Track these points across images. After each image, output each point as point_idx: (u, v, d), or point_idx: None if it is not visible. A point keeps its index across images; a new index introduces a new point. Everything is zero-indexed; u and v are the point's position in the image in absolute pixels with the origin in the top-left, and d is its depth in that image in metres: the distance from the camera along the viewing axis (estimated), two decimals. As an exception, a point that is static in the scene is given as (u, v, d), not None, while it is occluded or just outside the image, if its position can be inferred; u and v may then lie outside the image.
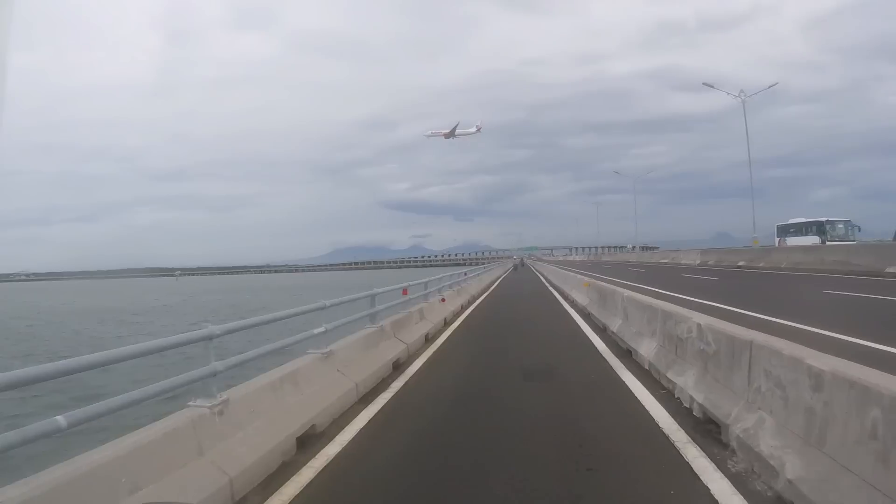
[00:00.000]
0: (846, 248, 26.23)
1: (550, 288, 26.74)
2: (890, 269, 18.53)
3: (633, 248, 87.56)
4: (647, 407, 5.74)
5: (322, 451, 4.92)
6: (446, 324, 13.31)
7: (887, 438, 2.77)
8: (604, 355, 8.49)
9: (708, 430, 4.86)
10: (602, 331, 10.77)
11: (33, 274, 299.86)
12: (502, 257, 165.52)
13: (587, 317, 13.14)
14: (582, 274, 25.69)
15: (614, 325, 9.92)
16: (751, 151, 39.66)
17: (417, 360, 8.95)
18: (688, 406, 5.51)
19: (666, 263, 47.64)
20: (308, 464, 4.64)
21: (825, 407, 3.34)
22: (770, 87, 42.61)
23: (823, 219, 36.75)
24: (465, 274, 22.53)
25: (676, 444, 4.69)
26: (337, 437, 5.33)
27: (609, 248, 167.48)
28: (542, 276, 41.56)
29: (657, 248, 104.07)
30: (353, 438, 5.30)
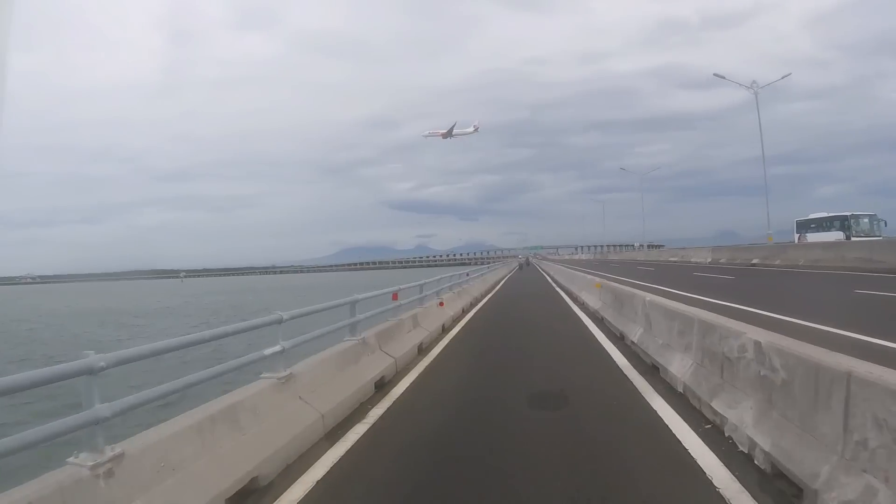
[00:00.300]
0: (869, 245, 24.91)
1: (557, 289, 25.37)
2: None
3: (641, 246, 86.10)
4: (690, 449, 4.43)
5: (259, 518, 3.68)
6: (444, 331, 12.03)
7: None
8: (625, 372, 7.16)
9: (781, 493, 3.56)
10: (619, 339, 9.46)
11: (38, 277, 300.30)
12: (507, 257, 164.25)
13: (600, 322, 11.82)
14: (590, 273, 24.37)
15: (634, 333, 8.60)
16: (756, 149, 38.25)
17: (406, 377, 7.68)
18: (746, 451, 4.20)
19: (675, 262, 46.44)
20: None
21: None
22: (783, 77, 41.20)
23: (847, 213, 35.22)
24: (468, 274, 21.17)
25: (741, 512, 3.40)
26: (285, 493, 4.06)
27: (615, 246, 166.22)
28: (549, 275, 40.17)
29: (663, 245, 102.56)
30: (307, 495, 4.03)
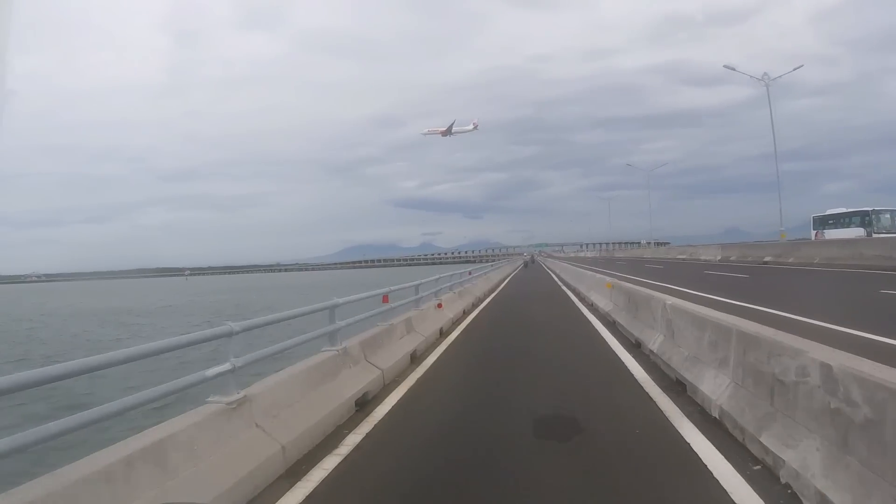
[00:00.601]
0: (889, 242, 23.88)
1: (564, 288, 24.37)
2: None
3: (648, 243, 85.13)
4: (738, 498, 3.48)
5: None
6: (442, 335, 11.08)
7: None
8: (645, 388, 6.18)
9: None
10: (635, 347, 8.48)
11: (44, 275, 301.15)
12: (512, 254, 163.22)
13: (612, 326, 10.85)
14: (597, 271, 23.39)
15: (653, 341, 7.63)
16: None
17: (395, 392, 6.74)
18: (815, 509, 3.25)
19: (684, 259, 45.49)
20: None
21: None
22: (795, 69, 39.97)
23: (868, 208, 34.02)
24: (470, 273, 20.20)
25: None
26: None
27: (621, 244, 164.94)
28: (554, 273, 39.12)
29: (668, 243, 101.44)
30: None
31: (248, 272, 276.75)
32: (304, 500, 3.85)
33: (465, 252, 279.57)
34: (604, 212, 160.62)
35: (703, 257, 42.56)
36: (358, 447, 4.88)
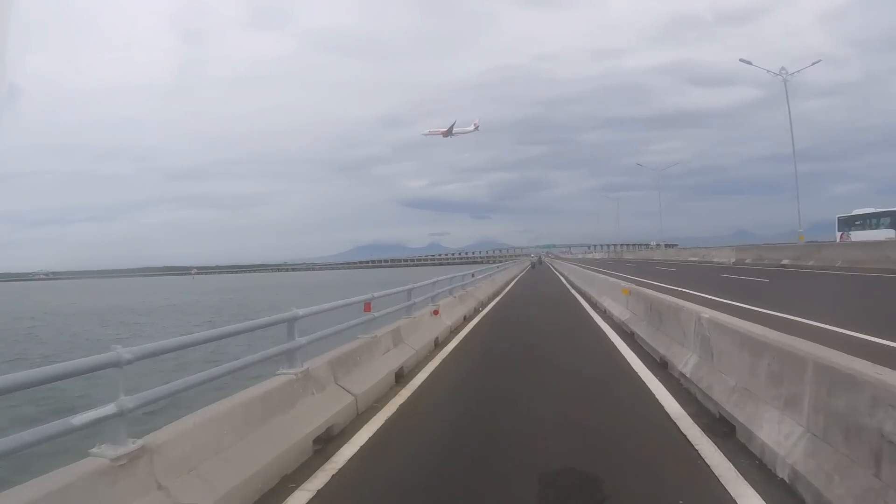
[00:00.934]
0: (921, 244, 22.55)
1: (573, 291, 23.04)
2: None
3: (658, 245, 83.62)
4: None
5: None
6: (437, 346, 9.83)
7: None
8: (682, 428, 4.85)
9: None
10: (660, 367, 7.17)
11: (51, 273, 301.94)
12: (519, 255, 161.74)
13: (630, 338, 9.55)
14: (608, 274, 22.06)
15: (683, 362, 6.35)
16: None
17: (369, 424, 5.49)
18: None
19: (696, 262, 44.20)
20: None
21: None
22: (813, 63, 38.50)
23: (896, 208, 32.52)
24: (473, 275, 18.91)
25: None
26: None
27: (629, 245, 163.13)
28: (563, 276, 37.71)
29: (676, 244, 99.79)
30: None
31: (255, 272, 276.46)
32: None
33: (472, 253, 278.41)
34: (611, 212, 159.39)
35: (715, 259, 41.31)
36: (303, 512, 3.65)
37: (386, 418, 5.71)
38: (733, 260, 37.48)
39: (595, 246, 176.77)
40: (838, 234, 37.74)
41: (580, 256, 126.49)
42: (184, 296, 64.34)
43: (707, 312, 6.06)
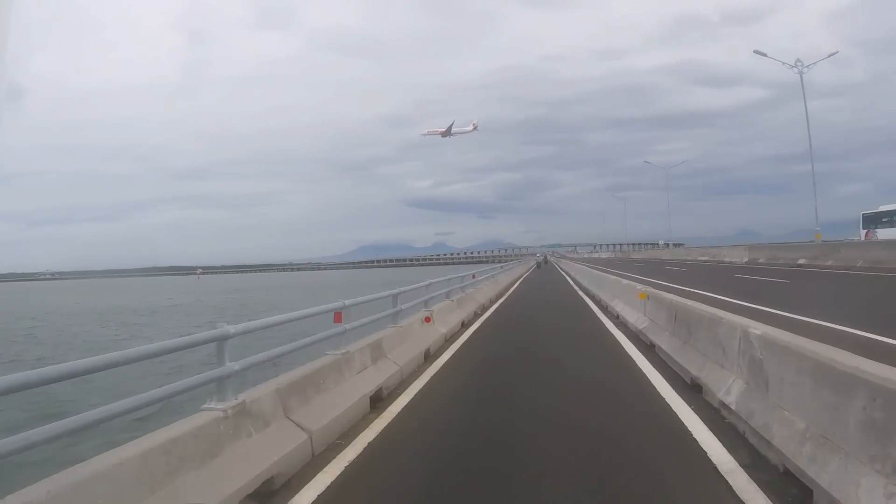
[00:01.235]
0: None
1: (581, 293, 21.68)
2: None
3: (666, 244, 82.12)
4: None
5: None
6: (428, 359, 8.59)
7: None
8: (737, 489, 3.57)
9: None
10: (693, 391, 5.88)
11: (57, 273, 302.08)
12: (525, 255, 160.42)
13: (649, 350, 8.26)
14: (618, 274, 20.76)
15: (725, 388, 5.05)
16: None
17: (325, 472, 4.26)
18: None
19: (706, 261, 42.88)
20: None
21: None
22: (830, 55, 37.01)
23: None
24: (474, 276, 17.63)
25: None
26: None
27: (635, 244, 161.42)
28: (569, 276, 36.32)
29: (682, 244, 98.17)
30: None
31: (260, 271, 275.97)
32: None
33: (478, 252, 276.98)
34: (616, 212, 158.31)
35: (727, 259, 40.06)
36: None
37: (349, 461, 4.47)
38: (746, 259, 36.20)
39: (601, 246, 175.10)
40: (863, 232, 36.15)
41: (586, 256, 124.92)
42: (188, 296, 63.73)
43: (758, 327, 4.77)
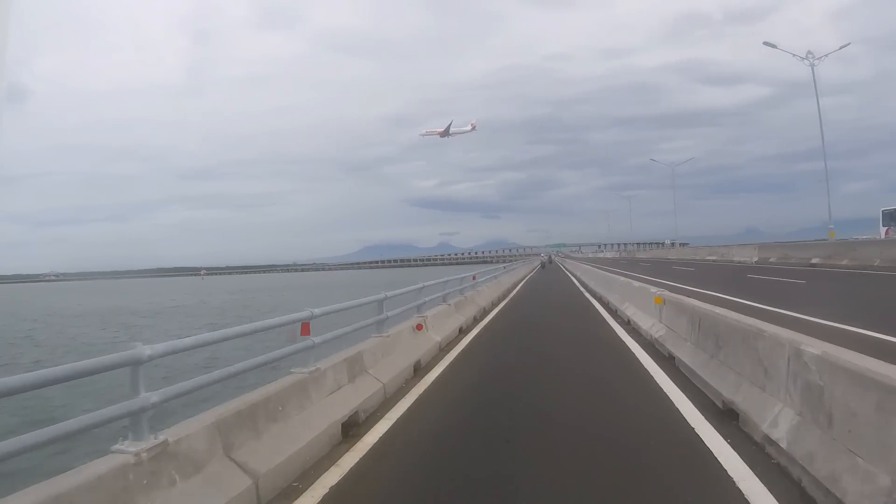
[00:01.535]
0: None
1: (588, 295, 20.66)
2: None
3: (672, 243, 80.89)
4: None
5: None
6: (418, 373, 7.66)
7: None
8: None
9: None
10: (726, 418, 4.90)
11: (61, 274, 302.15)
12: (530, 254, 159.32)
13: (668, 363, 7.25)
14: (625, 275, 19.78)
15: (770, 419, 4.09)
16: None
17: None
18: None
19: (714, 261, 41.80)
20: None
21: None
22: (842, 47, 35.85)
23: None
24: (474, 278, 16.68)
25: None
26: None
27: (641, 244, 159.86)
28: (575, 277, 35.26)
29: (687, 243, 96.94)
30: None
31: (265, 272, 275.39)
32: None
33: (482, 252, 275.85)
34: (621, 211, 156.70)
35: (736, 258, 39.01)
36: None
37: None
38: (755, 259, 35.16)
39: (605, 245, 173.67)
40: (883, 230, 34.97)
41: (591, 256, 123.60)
42: (191, 297, 63.26)
43: (813, 344, 3.82)
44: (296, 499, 3.77)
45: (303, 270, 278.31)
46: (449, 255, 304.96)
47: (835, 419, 3.35)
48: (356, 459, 4.50)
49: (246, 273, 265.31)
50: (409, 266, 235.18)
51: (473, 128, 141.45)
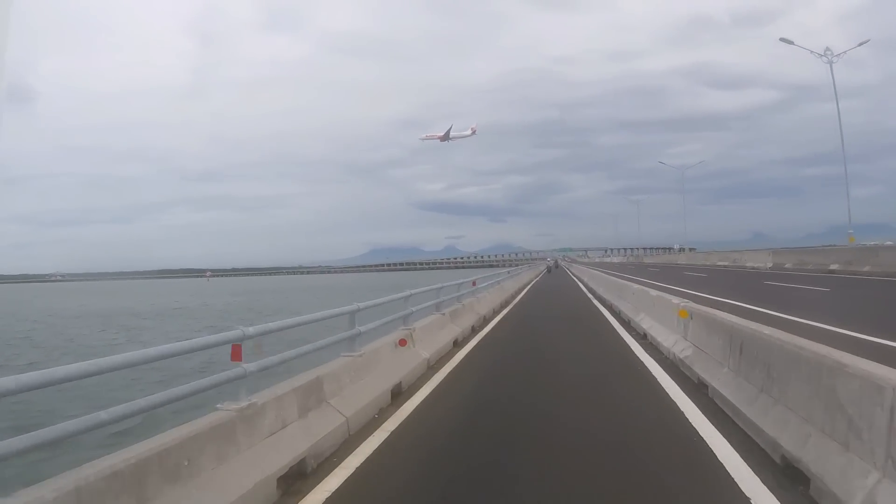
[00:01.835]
0: None
1: (596, 302, 19.27)
2: None
3: (682, 248, 79.41)
4: None
5: None
6: (397, 399, 6.41)
7: None
8: None
9: None
10: (780, 474, 3.65)
11: (67, 274, 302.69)
12: (536, 258, 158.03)
13: (697, 392, 5.96)
14: (636, 281, 18.47)
15: (863, 492, 2.90)
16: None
17: None
18: None
19: (726, 266, 40.62)
20: None
21: None
22: (860, 44, 34.57)
23: None
24: (474, 283, 15.41)
25: None
26: None
27: (647, 248, 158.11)
28: (582, 282, 33.88)
29: (694, 248, 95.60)
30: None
31: (270, 274, 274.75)
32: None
33: (488, 256, 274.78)
34: (628, 216, 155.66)
35: (749, 264, 37.89)
36: None
37: None
38: (770, 265, 33.97)
39: (612, 250, 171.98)
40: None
41: (597, 260, 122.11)
42: (194, 299, 62.33)
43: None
44: None
45: (308, 273, 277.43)
46: (455, 258, 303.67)
47: None
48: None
49: (251, 275, 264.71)
50: (415, 269, 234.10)
51: (473, 132, 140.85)
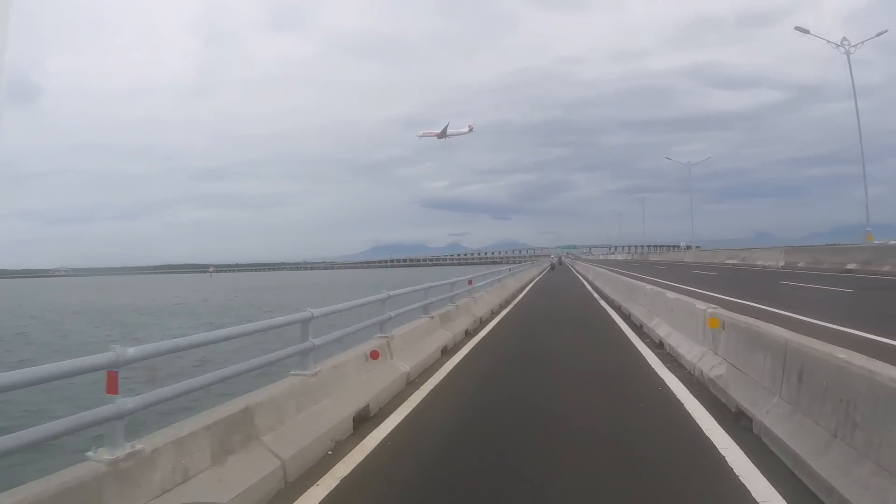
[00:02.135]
0: None
1: (603, 303, 17.83)
2: None
3: (688, 246, 78.16)
4: None
5: None
6: (360, 427, 5.17)
7: None
8: None
9: None
10: None
11: (71, 270, 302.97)
12: (539, 255, 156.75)
13: (735, 424, 4.70)
14: (647, 280, 17.23)
15: None
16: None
17: None
18: None
19: (735, 265, 39.44)
20: None
21: None
22: (879, 34, 33.11)
23: None
24: (470, 282, 14.16)
25: None
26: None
27: (653, 246, 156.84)
28: (587, 281, 32.50)
29: (699, 247, 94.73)
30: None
31: (274, 270, 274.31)
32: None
33: (492, 253, 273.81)
34: (632, 214, 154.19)
35: (759, 262, 36.73)
36: None
37: None
38: (782, 263, 32.75)
39: (617, 247, 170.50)
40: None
41: (601, 258, 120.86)
42: (196, 294, 61.92)
43: None
44: None
45: (312, 269, 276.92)
46: (458, 255, 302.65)
47: None
48: None
49: (255, 271, 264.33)
50: (418, 266, 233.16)
51: (471, 129, 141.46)
